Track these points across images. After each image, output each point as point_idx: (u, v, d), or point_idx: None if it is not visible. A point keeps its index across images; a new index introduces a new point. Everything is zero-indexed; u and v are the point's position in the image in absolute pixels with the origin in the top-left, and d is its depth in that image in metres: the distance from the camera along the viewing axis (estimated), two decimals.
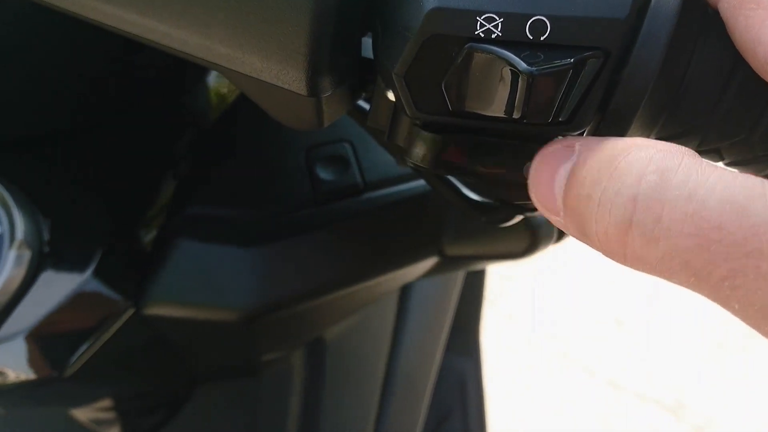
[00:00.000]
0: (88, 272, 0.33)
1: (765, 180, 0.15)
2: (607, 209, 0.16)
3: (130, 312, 0.34)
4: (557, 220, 0.18)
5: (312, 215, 0.35)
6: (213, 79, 0.42)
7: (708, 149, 0.21)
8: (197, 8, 0.19)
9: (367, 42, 0.21)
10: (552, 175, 0.18)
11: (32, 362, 0.32)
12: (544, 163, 0.18)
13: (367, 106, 0.27)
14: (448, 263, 0.39)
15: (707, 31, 0.19)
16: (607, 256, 0.17)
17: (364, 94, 0.24)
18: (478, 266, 0.54)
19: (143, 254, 0.35)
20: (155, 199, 0.37)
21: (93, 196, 0.36)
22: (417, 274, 0.41)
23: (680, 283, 0.16)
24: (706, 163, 0.16)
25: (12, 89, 0.35)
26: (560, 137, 0.19)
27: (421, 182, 0.36)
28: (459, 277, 0.58)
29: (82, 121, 0.38)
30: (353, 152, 0.37)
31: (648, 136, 0.22)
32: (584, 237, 0.17)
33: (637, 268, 0.16)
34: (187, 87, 0.40)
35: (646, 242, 0.15)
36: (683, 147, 0.16)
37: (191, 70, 0.40)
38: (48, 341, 0.32)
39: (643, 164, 0.16)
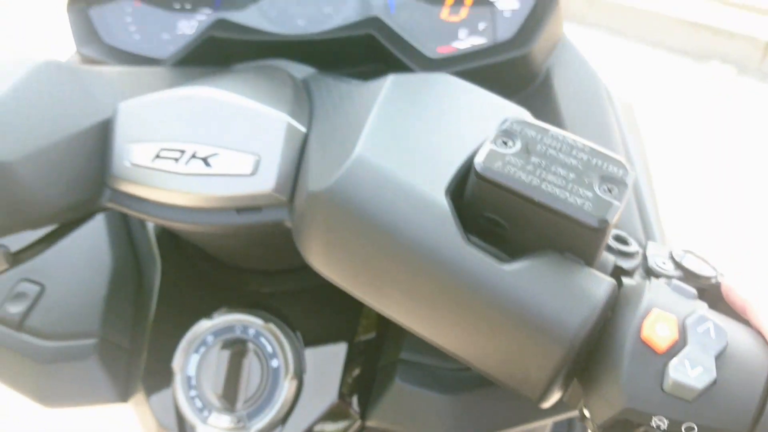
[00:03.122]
0: (335, 394, 0.47)
1: None
2: None
3: (359, 424, 0.48)
4: None
5: None
6: None
7: None
8: (467, 348, 0.31)
9: None
10: None
11: None
12: None
13: None
14: None
15: None
16: None
17: None
18: None
19: (367, 379, 0.48)
20: (371, 329, 0.49)
21: (335, 324, 0.49)
22: None
23: None
24: None
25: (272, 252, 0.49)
26: None
27: None
28: None
29: None
30: None
31: None
32: None
33: None
34: None
35: None
36: None
37: None
38: None
39: None
